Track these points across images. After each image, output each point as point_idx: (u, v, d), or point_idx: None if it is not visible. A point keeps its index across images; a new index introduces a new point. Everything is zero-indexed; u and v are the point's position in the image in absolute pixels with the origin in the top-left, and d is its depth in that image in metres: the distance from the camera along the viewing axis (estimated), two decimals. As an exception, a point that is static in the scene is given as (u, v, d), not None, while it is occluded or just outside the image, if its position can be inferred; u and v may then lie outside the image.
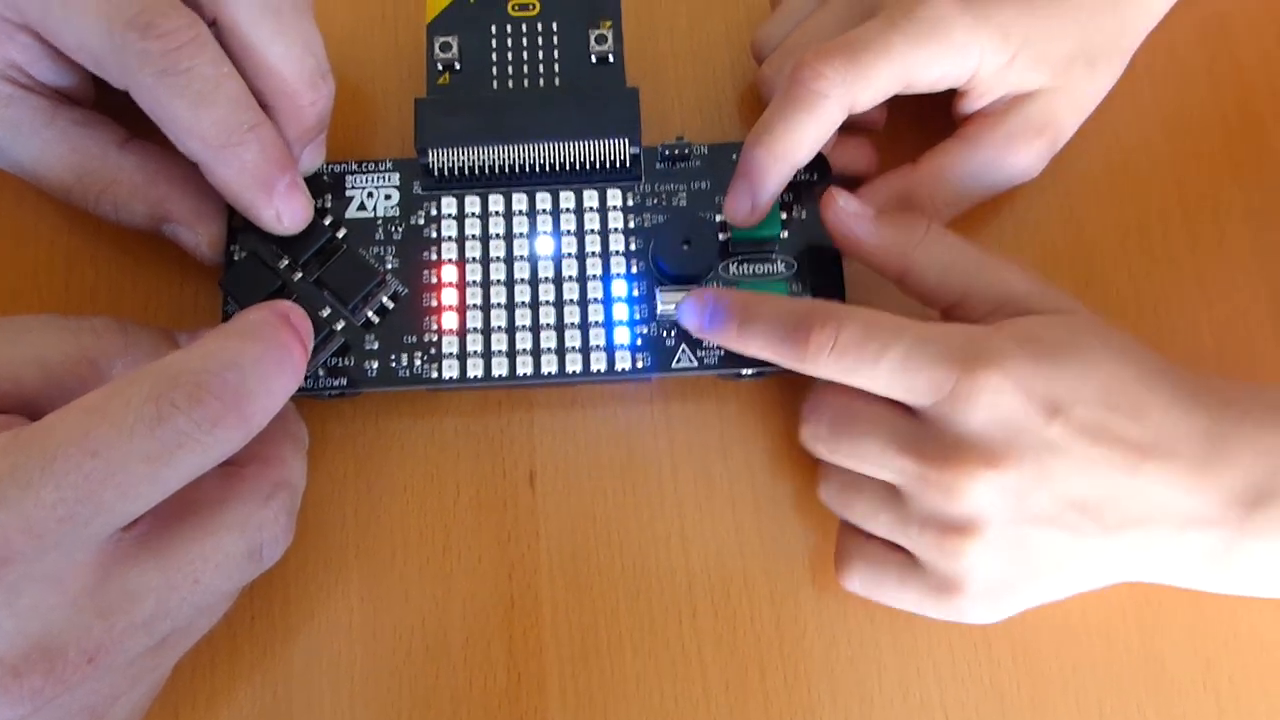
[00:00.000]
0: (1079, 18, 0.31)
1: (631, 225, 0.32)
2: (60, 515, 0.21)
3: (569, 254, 0.31)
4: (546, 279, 0.31)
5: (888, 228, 0.29)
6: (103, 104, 0.31)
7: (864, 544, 0.30)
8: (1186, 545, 0.27)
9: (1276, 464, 0.26)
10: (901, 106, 0.33)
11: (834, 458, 0.29)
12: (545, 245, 0.31)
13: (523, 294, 0.31)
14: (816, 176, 0.32)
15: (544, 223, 0.32)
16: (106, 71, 0.27)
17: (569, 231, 0.31)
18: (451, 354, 0.30)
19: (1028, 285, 0.29)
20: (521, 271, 0.31)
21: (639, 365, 0.30)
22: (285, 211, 0.29)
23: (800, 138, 0.29)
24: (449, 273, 0.31)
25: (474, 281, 0.31)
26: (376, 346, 0.30)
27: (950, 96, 0.32)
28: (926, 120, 0.34)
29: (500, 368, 0.30)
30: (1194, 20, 0.35)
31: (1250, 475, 0.26)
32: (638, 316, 0.31)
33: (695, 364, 0.31)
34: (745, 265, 0.31)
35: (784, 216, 0.32)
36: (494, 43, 0.33)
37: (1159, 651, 0.31)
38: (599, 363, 0.30)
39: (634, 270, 0.31)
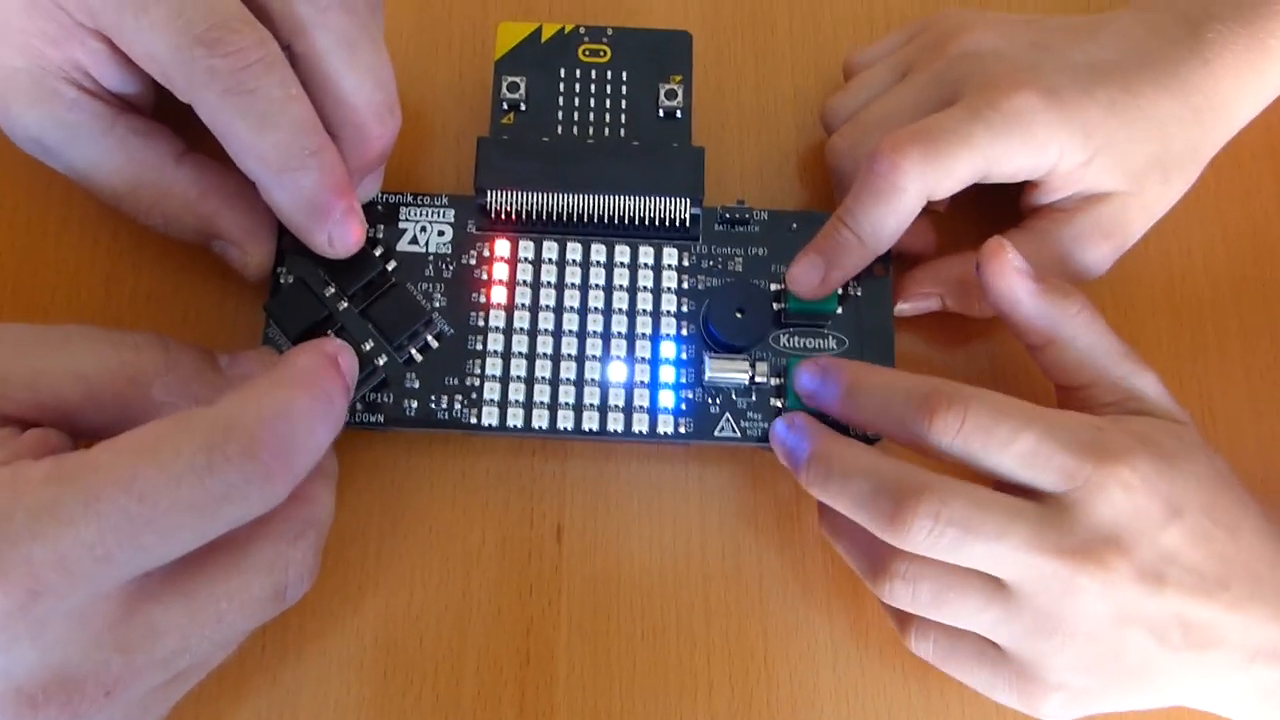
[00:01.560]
0: (1162, 124, 0.30)
1: (685, 286, 0.31)
2: (98, 555, 0.21)
3: (619, 310, 0.31)
4: (595, 333, 0.31)
5: (1047, 294, 0.29)
6: (162, 113, 0.31)
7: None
8: (1251, 677, 0.27)
9: None
10: (964, 190, 0.32)
11: (953, 558, 0.26)
12: (596, 298, 0.31)
13: (569, 346, 0.30)
14: (876, 255, 0.32)
15: (597, 275, 0.31)
16: (173, 84, 0.27)
17: (621, 287, 0.31)
18: (492, 400, 0.30)
19: (1157, 390, 0.29)
20: (570, 323, 0.31)
21: (681, 430, 0.30)
22: (337, 237, 0.29)
23: (880, 228, 0.29)
24: (496, 317, 0.31)
25: (521, 329, 0.31)
26: (417, 386, 0.30)
27: (1014, 184, 0.32)
28: (988, 203, 0.34)
29: (540, 419, 0.30)
30: (1265, 134, 0.35)
31: None
32: (684, 380, 0.30)
33: (738, 434, 0.30)
34: (797, 338, 0.31)
35: (840, 291, 0.31)
36: (561, 86, 0.32)
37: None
38: (640, 424, 0.30)
39: (684, 333, 0.31)
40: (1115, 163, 0.30)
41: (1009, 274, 0.29)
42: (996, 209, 0.33)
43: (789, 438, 0.29)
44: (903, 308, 0.32)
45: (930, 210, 0.33)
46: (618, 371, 0.30)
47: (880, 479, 0.27)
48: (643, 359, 0.30)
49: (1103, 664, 0.27)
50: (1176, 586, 0.26)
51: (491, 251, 0.31)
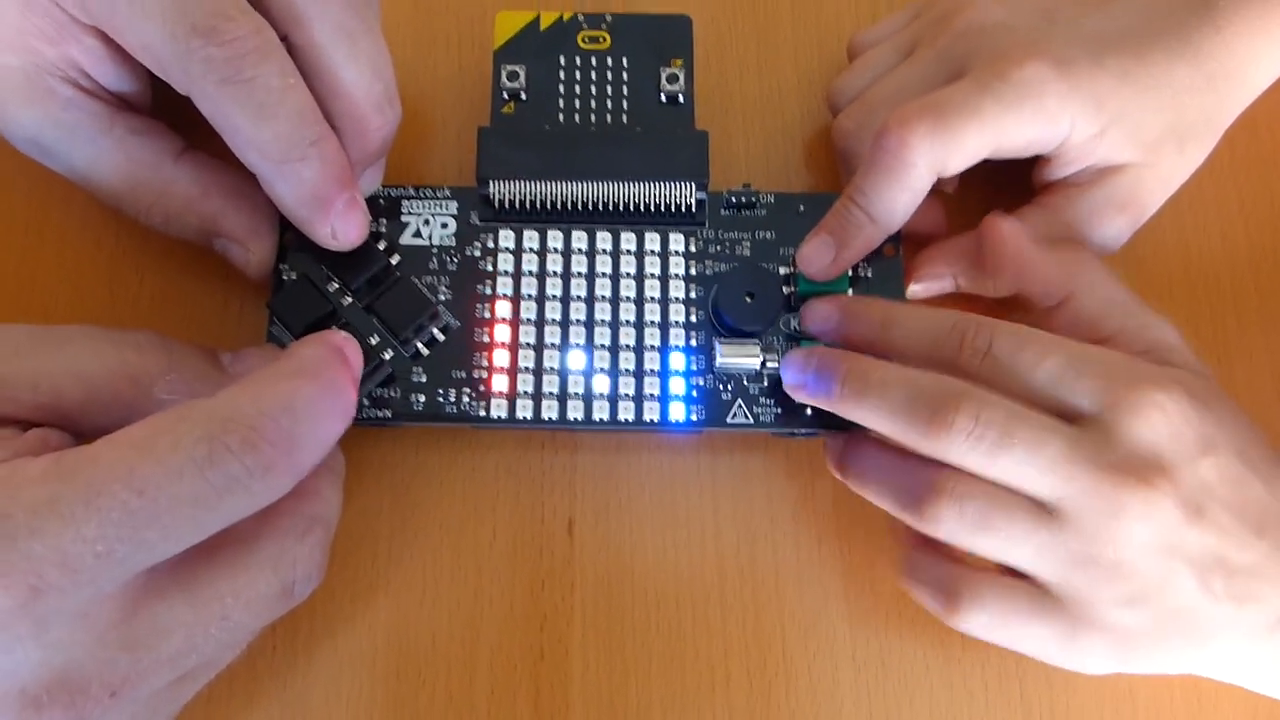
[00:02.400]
0: (1175, 93, 0.30)
1: (693, 272, 0.31)
2: (98, 551, 0.21)
3: (627, 298, 0.30)
4: (602, 322, 0.30)
5: (1056, 247, 0.29)
6: (160, 111, 0.30)
7: (993, 577, 0.27)
8: (1275, 646, 0.26)
9: None
10: (973, 167, 0.32)
11: (992, 467, 0.26)
12: (603, 286, 0.30)
13: (577, 336, 0.30)
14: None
15: (603, 263, 0.31)
16: (169, 76, 0.26)
17: (628, 274, 0.31)
18: (501, 393, 0.29)
19: (1178, 340, 0.29)
20: (577, 312, 0.30)
21: (693, 418, 0.30)
22: (341, 229, 0.28)
23: (892, 206, 0.29)
24: (503, 308, 0.30)
25: (528, 319, 0.30)
26: (424, 380, 0.30)
27: (1024, 160, 0.32)
28: (998, 182, 0.33)
29: (550, 411, 0.29)
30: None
31: None
32: (694, 367, 0.30)
33: (751, 420, 0.30)
34: (808, 321, 0.30)
35: (850, 273, 0.31)
36: (562, 74, 0.32)
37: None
38: (652, 412, 0.29)
39: (693, 319, 0.30)
40: (1129, 134, 0.30)
41: (1013, 238, 0.29)
42: (1007, 187, 0.33)
43: (806, 370, 0.28)
44: (915, 289, 0.32)
45: (939, 191, 0.33)
46: (627, 360, 0.30)
47: (918, 387, 0.26)
48: (652, 346, 0.30)
49: (1148, 601, 0.26)
50: (1215, 523, 0.25)
51: (496, 242, 0.31)
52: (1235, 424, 0.27)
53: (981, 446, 0.25)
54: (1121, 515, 0.25)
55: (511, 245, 0.31)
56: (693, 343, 0.30)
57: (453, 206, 0.31)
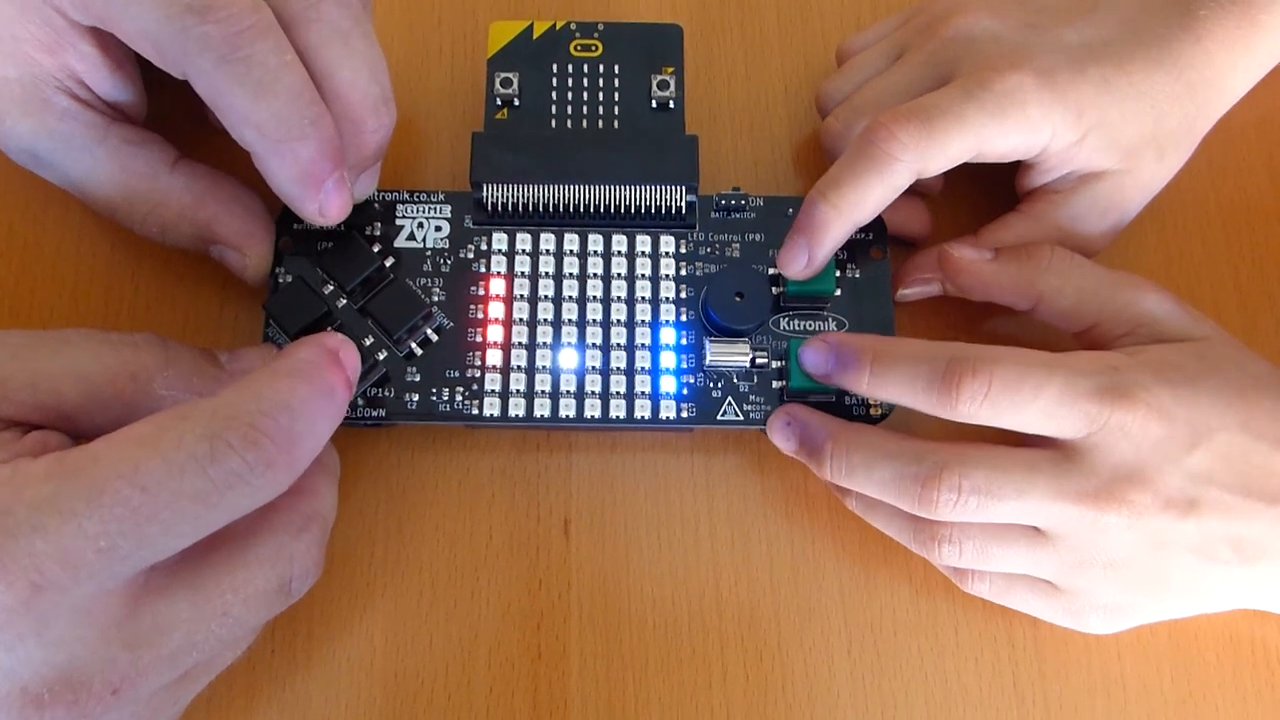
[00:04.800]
0: (1155, 102, 0.30)
1: (683, 273, 0.31)
2: (100, 547, 0.21)
3: (618, 298, 0.31)
4: (594, 321, 0.31)
5: (1011, 263, 0.30)
6: (154, 123, 0.31)
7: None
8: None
9: None
10: (958, 171, 0.32)
11: (983, 518, 0.27)
12: (595, 288, 0.31)
13: (569, 335, 0.30)
14: (872, 236, 0.32)
15: (595, 265, 0.31)
16: (166, 59, 0.26)
17: (619, 275, 0.31)
18: (494, 391, 0.30)
19: (1162, 307, 0.29)
20: (569, 312, 0.31)
21: (684, 415, 0.30)
22: (329, 206, 0.28)
23: (866, 197, 0.29)
24: (495, 309, 0.31)
25: (520, 319, 0.30)
26: (418, 379, 0.30)
27: (1008, 165, 0.32)
28: (983, 187, 0.34)
29: (542, 408, 0.30)
30: (1254, 114, 0.35)
31: None
32: (685, 366, 0.30)
33: (741, 418, 0.30)
34: (797, 320, 0.31)
35: (838, 274, 0.31)
36: (554, 81, 0.33)
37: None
38: (643, 410, 0.30)
39: (683, 319, 0.31)
40: (1108, 140, 0.30)
41: (962, 266, 0.30)
42: (992, 192, 0.34)
43: (790, 437, 0.29)
44: (904, 293, 0.32)
45: (924, 193, 0.34)
46: (618, 359, 0.30)
47: (901, 463, 0.28)
48: (643, 345, 0.30)
49: (1148, 584, 0.28)
50: (1214, 507, 0.26)
51: (489, 245, 0.31)
52: (1237, 391, 0.27)
53: (969, 510, 0.27)
54: (1107, 531, 0.27)
55: (504, 248, 0.31)
56: (683, 341, 0.31)
57: (446, 210, 0.32)
